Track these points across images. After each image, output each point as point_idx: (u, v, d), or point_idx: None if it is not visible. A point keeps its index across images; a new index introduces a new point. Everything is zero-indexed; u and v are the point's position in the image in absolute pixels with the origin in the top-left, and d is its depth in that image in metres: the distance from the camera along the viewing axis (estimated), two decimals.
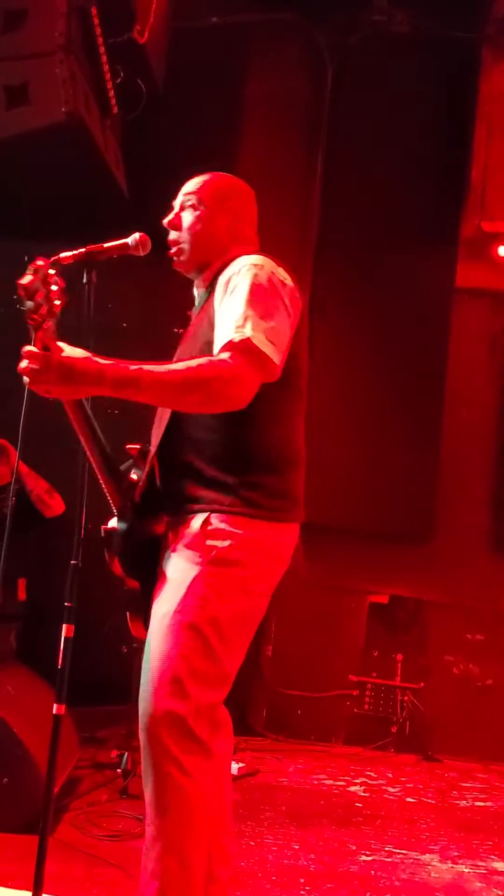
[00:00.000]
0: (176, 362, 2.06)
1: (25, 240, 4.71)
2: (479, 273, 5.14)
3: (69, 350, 1.97)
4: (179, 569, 2.12)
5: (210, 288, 2.27)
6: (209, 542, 2.09)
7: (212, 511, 2.11)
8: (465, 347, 5.17)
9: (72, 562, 2.23)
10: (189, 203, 2.34)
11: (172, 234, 2.34)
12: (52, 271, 1.89)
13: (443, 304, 5.12)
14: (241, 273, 2.13)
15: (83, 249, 2.26)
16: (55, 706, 2.21)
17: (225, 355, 2.02)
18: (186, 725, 2.04)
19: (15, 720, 3.22)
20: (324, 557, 4.91)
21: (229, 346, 2.03)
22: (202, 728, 2.06)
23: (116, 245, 2.30)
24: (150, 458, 2.23)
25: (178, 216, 2.34)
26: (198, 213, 2.32)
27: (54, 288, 1.90)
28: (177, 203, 2.37)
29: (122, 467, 2.26)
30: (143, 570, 2.22)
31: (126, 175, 4.67)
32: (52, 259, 2.22)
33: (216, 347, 2.07)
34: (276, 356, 2.06)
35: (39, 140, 3.93)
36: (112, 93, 4.30)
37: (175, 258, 2.34)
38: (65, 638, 2.21)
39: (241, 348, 2.02)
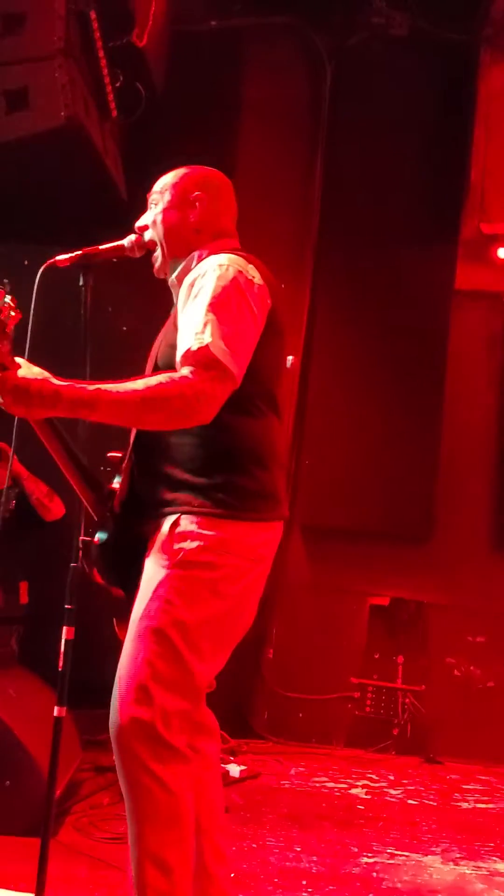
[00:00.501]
0: (134, 379, 2.01)
1: (25, 243, 4.72)
2: (478, 275, 5.14)
3: (26, 370, 1.98)
4: (149, 573, 2.10)
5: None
6: (176, 545, 2.06)
7: (182, 513, 2.09)
8: (465, 349, 5.17)
9: (72, 564, 2.25)
10: (154, 201, 2.33)
11: (146, 235, 2.31)
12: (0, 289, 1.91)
13: (442, 306, 5.13)
14: (206, 275, 2.10)
15: (79, 252, 2.27)
16: (56, 709, 2.22)
17: (186, 370, 2.00)
18: (155, 732, 2.01)
19: (16, 723, 3.22)
20: (324, 559, 4.92)
21: (188, 355, 2.01)
22: (174, 734, 2.02)
23: (112, 247, 2.31)
24: (125, 463, 2.22)
25: (145, 218, 2.33)
26: (160, 208, 2.30)
27: (6, 302, 1.93)
28: (148, 204, 2.36)
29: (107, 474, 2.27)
30: (126, 578, 2.19)
31: (125, 178, 4.68)
32: (48, 262, 2.24)
33: (178, 355, 2.05)
34: (233, 365, 2.02)
35: (39, 144, 3.94)
36: (111, 96, 4.30)
37: (153, 265, 2.33)
38: (65, 640, 2.22)
39: (201, 360, 1.99)
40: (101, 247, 2.30)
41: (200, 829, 2.13)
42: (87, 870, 3.00)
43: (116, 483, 2.24)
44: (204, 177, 2.35)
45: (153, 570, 2.09)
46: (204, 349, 2.00)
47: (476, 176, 5.07)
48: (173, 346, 2.11)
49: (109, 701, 2.13)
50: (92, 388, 1.95)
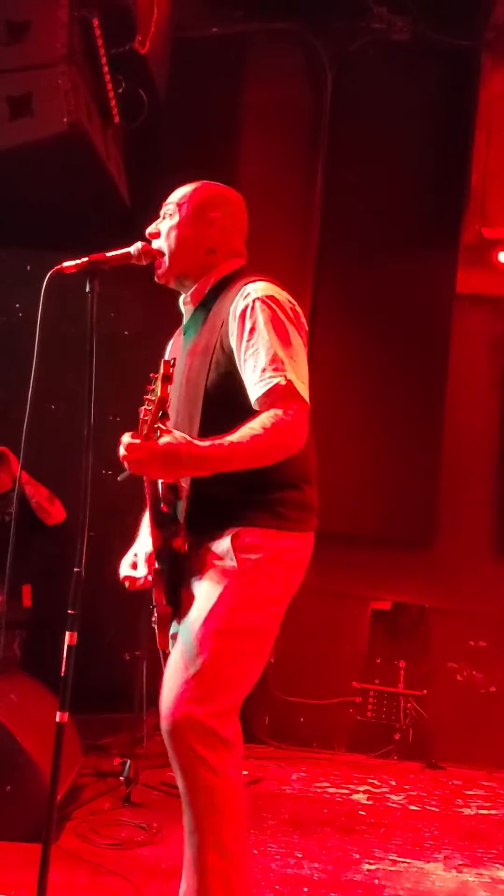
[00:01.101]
0: (241, 425, 2.10)
1: (30, 249, 4.74)
2: (479, 279, 5.14)
3: (169, 436, 2.04)
4: (212, 581, 2.22)
5: (204, 308, 2.30)
6: (241, 556, 2.20)
7: (243, 526, 2.22)
8: (467, 353, 5.17)
9: (75, 569, 2.25)
10: (169, 212, 2.36)
11: (154, 243, 2.35)
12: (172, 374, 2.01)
13: (444, 310, 5.14)
14: (257, 307, 2.19)
15: (86, 259, 2.27)
16: (58, 714, 2.22)
17: (279, 410, 2.11)
18: (208, 727, 2.12)
19: (18, 728, 3.23)
20: (326, 564, 4.86)
21: (277, 393, 2.12)
22: (225, 727, 2.15)
23: (119, 255, 2.32)
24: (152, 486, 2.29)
25: (157, 225, 2.37)
26: (176, 220, 2.34)
27: (160, 385, 2.00)
28: (161, 212, 2.39)
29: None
30: (176, 593, 2.30)
31: (128, 184, 4.69)
32: (55, 269, 2.25)
33: (255, 391, 2.15)
34: (307, 394, 2.17)
35: (43, 150, 3.94)
36: (114, 103, 4.31)
37: (157, 269, 2.35)
38: (68, 646, 2.22)
39: (287, 396, 2.12)
40: (107, 254, 2.31)
41: None
42: (88, 876, 3.00)
43: (167, 507, 2.32)
44: (222, 196, 2.40)
45: (217, 578, 2.21)
46: (289, 385, 2.13)
47: (477, 180, 5.08)
48: (227, 376, 2.21)
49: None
50: (227, 443, 2.07)
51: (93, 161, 4.17)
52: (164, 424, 2.03)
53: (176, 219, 2.34)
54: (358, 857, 3.38)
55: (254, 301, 2.19)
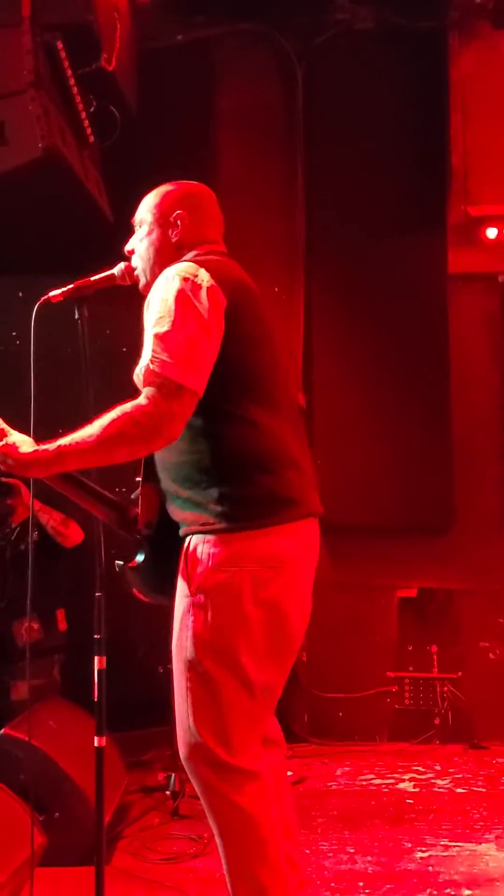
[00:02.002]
0: (91, 422, 2.05)
1: (19, 275, 4.75)
2: (470, 258, 5.13)
3: (11, 436, 2.09)
4: (177, 602, 2.13)
5: None
6: (190, 571, 2.08)
7: (193, 533, 2.11)
8: (465, 332, 5.16)
9: (96, 594, 2.25)
10: (137, 225, 2.36)
11: (133, 260, 2.35)
12: None
13: (438, 292, 5.12)
14: (159, 287, 2.12)
15: (71, 286, 2.29)
16: (96, 739, 2.23)
17: (142, 396, 2.03)
18: (217, 758, 2.05)
19: (60, 755, 3.24)
20: (347, 557, 4.90)
21: (146, 377, 2.04)
22: (237, 755, 2.06)
23: (103, 277, 2.34)
24: (141, 486, 2.24)
25: (132, 243, 2.36)
26: (144, 231, 2.33)
27: None
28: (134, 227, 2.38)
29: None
30: (173, 589, 2.18)
31: (110, 201, 4.70)
32: (42, 299, 2.26)
33: (137, 378, 2.09)
34: (186, 376, 2.01)
35: (20, 177, 3.95)
36: (87, 122, 4.31)
37: (139, 284, 2.35)
38: (98, 670, 2.22)
39: (151, 382, 2.02)
40: (92, 278, 2.33)
41: None
42: (143, 893, 3.02)
43: (138, 507, 2.26)
44: (183, 193, 2.35)
45: (178, 599, 2.12)
46: (149, 372, 2.03)
47: (457, 160, 5.05)
48: None
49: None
50: (54, 446, 2.04)
51: (72, 183, 4.17)
52: None
53: (144, 229, 2.32)
54: (410, 845, 3.37)
55: (155, 285, 2.14)
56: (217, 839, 2.11)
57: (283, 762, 2.36)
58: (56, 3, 4.01)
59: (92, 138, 4.38)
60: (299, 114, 5.22)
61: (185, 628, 2.07)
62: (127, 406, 2.03)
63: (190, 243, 2.29)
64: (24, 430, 2.34)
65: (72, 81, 4.12)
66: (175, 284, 2.08)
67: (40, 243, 4.52)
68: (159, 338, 2.03)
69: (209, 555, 2.06)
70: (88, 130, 4.33)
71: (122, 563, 2.24)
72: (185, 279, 2.08)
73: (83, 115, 4.26)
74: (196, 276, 2.08)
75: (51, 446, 2.05)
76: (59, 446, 2.05)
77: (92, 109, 4.35)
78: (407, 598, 5.02)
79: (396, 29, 5.00)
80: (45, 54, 3.96)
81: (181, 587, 2.11)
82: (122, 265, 2.35)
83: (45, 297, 2.27)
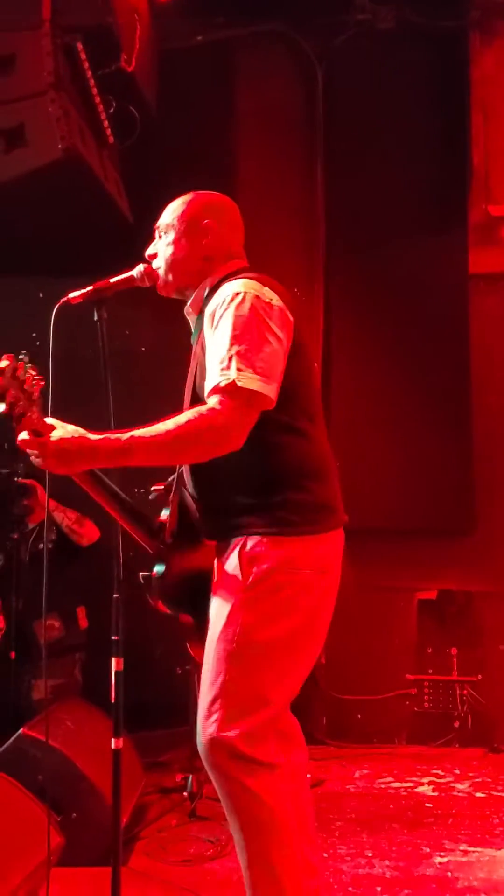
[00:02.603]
0: (164, 419, 2.08)
1: (39, 276, 4.77)
2: (491, 257, 5.09)
3: (61, 430, 2.04)
4: (221, 598, 2.18)
5: (202, 314, 2.29)
6: (246, 568, 2.14)
7: (247, 535, 2.16)
8: (486, 333, 5.12)
9: (114, 595, 2.26)
10: (163, 230, 2.37)
11: (154, 263, 2.37)
12: (20, 360, 1.98)
13: (459, 293, 5.09)
14: (224, 304, 2.15)
15: (90, 288, 2.29)
16: (113, 741, 2.23)
17: (213, 400, 2.07)
18: (238, 750, 2.09)
19: (77, 755, 3.24)
20: (367, 559, 4.87)
21: (216, 390, 2.08)
22: (257, 748, 2.10)
23: (123, 279, 2.34)
24: (172, 495, 2.28)
25: (154, 247, 2.38)
26: (171, 237, 2.35)
27: (29, 372, 1.99)
28: (156, 233, 2.40)
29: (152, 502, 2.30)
30: (194, 603, 2.27)
31: (129, 201, 4.71)
32: (61, 301, 2.26)
33: (206, 390, 2.11)
34: (266, 388, 2.09)
35: (40, 178, 3.98)
36: (106, 123, 4.34)
37: (156, 282, 2.37)
38: (115, 672, 2.22)
39: (227, 390, 2.06)
40: (111, 280, 2.33)
41: None
42: (160, 894, 3.01)
43: (165, 515, 2.30)
44: (210, 202, 2.39)
45: (225, 595, 2.17)
46: (231, 384, 2.06)
47: (478, 160, 5.02)
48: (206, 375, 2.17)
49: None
50: (126, 436, 2.04)
51: (91, 183, 4.19)
52: (33, 422, 2.00)
53: (171, 235, 2.35)
54: (428, 850, 3.35)
55: (224, 299, 2.16)
56: (233, 829, 2.14)
57: (304, 762, 2.36)
58: (76, 4, 4.03)
59: (111, 139, 4.40)
60: (319, 114, 5.20)
61: (234, 623, 2.13)
62: (203, 409, 2.07)
63: (219, 254, 2.34)
64: None
65: (92, 83, 4.14)
66: (247, 302, 2.14)
67: (60, 244, 4.54)
68: (240, 354, 2.08)
69: (266, 555, 2.14)
70: (108, 131, 4.35)
71: (146, 574, 2.27)
72: (257, 297, 2.15)
73: (103, 116, 4.28)
74: (264, 295, 2.17)
75: (122, 435, 2.04)
76: (132, 437, 2.03)
77: (111, 110, 4.37)
78: (427, 600, 5.00)
79: (417, 29, 4.97)
80: (66, 56, 3.98)
81: (228, 583, 2.16)
82: (141, 267, 2.35)
83: (65, 298, 2.28)
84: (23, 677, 4.14)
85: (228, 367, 2.07)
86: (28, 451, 2.03)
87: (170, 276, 2.34)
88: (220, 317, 2.14)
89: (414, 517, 5.00)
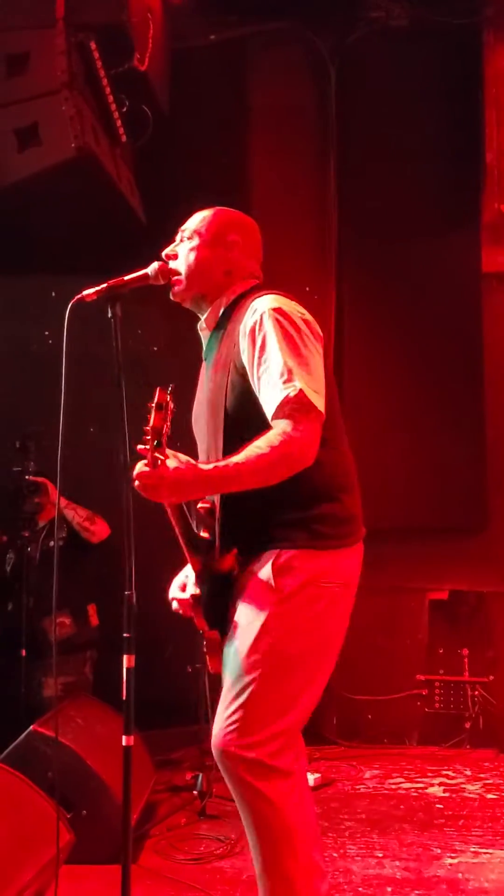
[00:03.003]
0: (247, 444, 2.10)
1: (52, 275, 4.79)
2: None
3: (173, 460, 2.10)
4: (252, 609, 2.18)
5: (219, 331, 2.31)
6: (279, 581, 2.16)
7: (281, 549, 2.18)
8: (499, 331, 5.09)
9: (126, 592, 2.25)
10: (187, 235, 2.38)
11: (171, 264, 2.37)
12: (169, 400, 2.03)
13: (472, 291, 5.07)
14: (265, 321, 2.17)
15: (105, 285, 2.28)
16: (124, 738, 2.23)
17: (285, 423, 2.10)
18: (254, 758, 2.10)
19: (87, 753, 3.25)
20: (379, 559, 4.79)
21: (285, 404, 2.10)
22: (275, 757, 2.11)
23: (137, 277, 2.34)
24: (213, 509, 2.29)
25: (175, 248, 2.38)
26: (195, 243, 2.36)
27: (168, 403, 2.03)
28: (178, 235, 2.41)
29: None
30: (221, 619, 2.28)
31: (142, 200, 4.71)
32: (76, 298, 2.26)
33: (270, 407, 2.13)
34: (321, 403, 2.14)
35: (53, 177, 3.99)
36: (119, 122, 4.34)
37: (173, 287, 2.37)
38: (126, 669, 2.22)
39: (298, 408, 2.09)
40: (125, 277, 2.32)
41: None
42: (169, 892, 3.01)
43: (206, 533, 2.32)
44: (240, 220, 2.44)
45: (257, 607, 2.18)
46: (299, 395, 2.10)
47: (491, 158, 5.00)
48: (244, 395, 2.20)
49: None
50: (232, 463, 2.08)
51: (104, 182, 4.20)
52: (162, 454, 2.04)
53: (196, 241, 2.36)
54: (439, 851, 3.34)
55: (261, 316, 2.19)
56: (249, 835, 2.16)
57: (305, 769, 2.36)
58: (90, 3, 4.04)
59: (124, 138, 4.40)
60: (332, 112, 5.18)
61: (266, 635, 2.14)
62: (286, 430, 2.10)
63: (240, 271, 2.37)
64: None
65: (105, 81, 4.15)
66: (288, 317, 2.18)
67: (73, 242, 4.55)
68: (295, 368, 2.12)
69: (300, 569, 2.16)
70: (121, 130, 4.36)
71: (197, 592, 2.31)
72: (293, 312, 2.20)
73: (116, 114, 4.29)
74: (298, 309, 2.22)
75: (228, 463, 2.09)
76: (237, 464, 2.07)
77: (124, 109, 4.37)
78: (438, 600, 4.97)
79: (430, 26, 4.94)
80: (79, 54, 3.99)
81: (260, 596, 2.17)
82: (155, 265, 2.35)
83: (80, 295, 2.28)
84: (33, 675, 4.15)
85: (292, 380, 2.10)
86: (141, 485, 2.05)
87: (189, 282, 2.35)
88: (265, 333, 2.17)
89: (425, 517, 4.98)
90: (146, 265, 2.37)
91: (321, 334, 2.26)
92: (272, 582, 2.16)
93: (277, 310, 2.19)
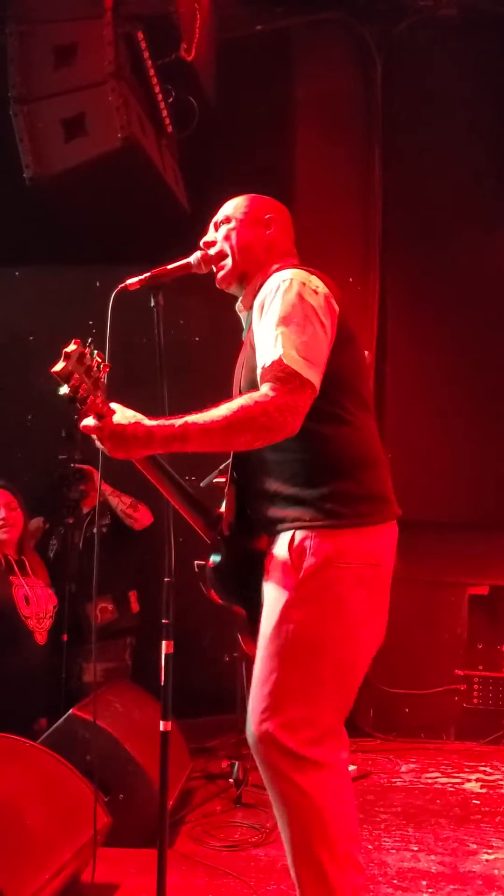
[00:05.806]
0: (217, 405, 2.08)
1: (96, 265, 4.82)
2: None
3: (120, 414, 2.07)
4: (272, 593, 2.16)
5: (251, 310, 2.30)
6: (296, 563, 2.12)
7: (296, 528, 2.14)
8: None
9: (165, 579, 2.28)
10: (224, 220, 2.39)
11: (212, 251, 2.38)
12: (87, 349, 1.99)
13: None
14: (272, 292, 2.16)
15: (148, 274, 2.31)
16: (161, 724, 2.25)
17: (265, 387, 2.06)
18: (288, 747, 2.08)
19: (125, 738, 3.28)
20: (419, 553, 4.82)
21: (265, 371, 2.07)
22: (310, 747, 2.08)
23: (179, 266, 2.36)
24: (228, 486, 2.28)
25: (214, 235, 2.39)
26: (232, 225, 2.37)
27: (95, 357, 2.00)
28: (211, 227, 2.42)
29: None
30: (247, 595, 2.26)
31: (186, 190, 4.72)
32: (119, 287, 2.28)
33: (258, 375, 2.11)
34: (309, 372, 2.07)
35: (100, 167, 4.01)
36: (165, 112, 4.35)
37: (219, 272, 2.38)
38: (165, 655, 2.25)
39: (277, 374, 2.05)
40: (168, 266, 2.35)
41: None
42: (205, 878, 3.04)
43: (223, 507, 2.31)
44: (272, 202, 2.45)
45: (277, 591, 2.15)
46: (277, 362, 2.06)
47: None
48: (254, 370, 2.17)
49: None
50: (180, 422, 2.04)
51: (150, 172, 4.21)
52: (100, 408, 2.02)
53: (233, 223, 2.38)
54: (475, 847, 3.32)
55: (271, 287, 2.18)
56: (280, 826, 2.14)
57: (347, 761, 2.34)
58: None
59: (170, 128, 4.41)
60: (378, 103, 5.14)
61: (287, 620, 2.11)
62: (255, 395, 2.06)
63: (278, 249, 2.37)
64: None
65: (151, 72, 4.16)
66: (294, 287, 2.15)
67: (117, 233, 4.57)
68: (283, 335, 2.09)
69: (317, 549, 2.12)
70: (167, 121, 4.37)
71: (202, 563, 2.29)
72: (304, 284, 2.16)
73: (161, 105, 4.30)
74: (310, 282, 2.17)
75: (176, 421, 2.05)
76: (186, 423, 2.03)
77: (170, 100, 4.38)
78: (478, 595, 4.94)
79: (480, 15, 4.87)
80: (126, 45, 4.00)
81: (279, 579, 2.14)
82: (198, 254, 2.37)
83: (123, 284, 2.30)
84: (74, 659, 4.20)
85: (275, 346, 2.08)
86: (89, 434, 2.06)
87: (234, 263, 2.35)
88: (269, 303, 2.15)
89: (466, 510, 4.94)
90: (189, 254, 2.39)
91: (337, 309, 2.19)
92: (289, 564, 2.12)
93: (288, 281, 2.16)
